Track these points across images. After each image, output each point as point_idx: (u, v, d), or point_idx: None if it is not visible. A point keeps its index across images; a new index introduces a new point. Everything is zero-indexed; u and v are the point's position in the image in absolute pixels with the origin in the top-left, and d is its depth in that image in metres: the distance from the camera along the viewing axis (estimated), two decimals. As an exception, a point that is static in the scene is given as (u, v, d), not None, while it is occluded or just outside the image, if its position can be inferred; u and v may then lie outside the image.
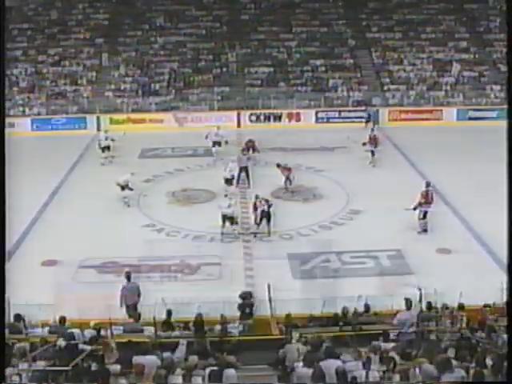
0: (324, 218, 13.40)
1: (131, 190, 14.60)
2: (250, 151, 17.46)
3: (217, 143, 18.49)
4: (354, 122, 23.00)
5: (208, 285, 10.40)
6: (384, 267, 11.07)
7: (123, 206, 14.31)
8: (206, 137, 18.43)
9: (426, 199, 12.09)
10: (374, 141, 18.04)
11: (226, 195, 13.30)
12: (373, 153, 17.91)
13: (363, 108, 23.38)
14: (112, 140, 18.39)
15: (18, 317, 7.98)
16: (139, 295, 9.52)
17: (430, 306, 8.63)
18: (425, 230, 11.96)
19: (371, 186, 15.47)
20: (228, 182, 14.84)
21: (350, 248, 11.73)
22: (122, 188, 14.43)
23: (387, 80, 25.54)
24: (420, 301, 8.58)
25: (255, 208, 12.52)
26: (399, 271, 10.83)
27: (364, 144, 18.01)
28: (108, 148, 18.28)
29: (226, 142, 18.61)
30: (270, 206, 12.21)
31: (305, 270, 10.91)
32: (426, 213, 12.02)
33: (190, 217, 13.70)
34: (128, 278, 9.86)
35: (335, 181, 16.24)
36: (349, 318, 8.51)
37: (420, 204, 12.17)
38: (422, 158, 17.88)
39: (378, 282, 10.04)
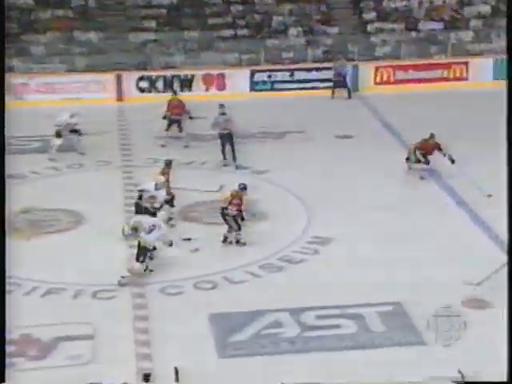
0: (270, 253, 13.49)
1: None
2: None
3: (74, 131, 18.66)
4: (316, 88, 23.24)
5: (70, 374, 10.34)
6: (374, 334, 10.90)
7: None
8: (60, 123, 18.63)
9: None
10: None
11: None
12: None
13: (331, 64, 23.45)
14: None
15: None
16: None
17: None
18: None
19: (347, 195, 15.77)
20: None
21: (316, 302, 11.69)
22: None
23: (372, 15, 25.52)
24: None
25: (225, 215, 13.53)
26: (401, 340, 10.71)
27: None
28: None
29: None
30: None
31: (238, 343, 10.87)
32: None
33: (40, 257, 13.71)
34: None
35: (287, 189, 16.24)
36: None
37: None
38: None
39: (366, 360, 10.16)
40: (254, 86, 23.35)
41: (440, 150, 15.67)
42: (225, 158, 17.32)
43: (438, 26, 25.05)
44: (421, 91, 22.49)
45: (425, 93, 22.30)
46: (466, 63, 23.60)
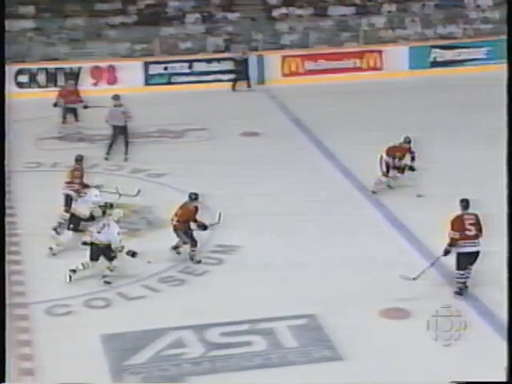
0: (170, 264, 13.37)
1: None
2: None
3: None
4: (218, 81, 23.48)
5: None
6: (287, 350, 10.80)
7: None
8: None
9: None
10: None
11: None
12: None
13: (232, 54, 23.57)
14: None
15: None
16: None
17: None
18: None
19: (254, 200, 15.65)
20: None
21: (222, 317, 11.58)
22: None
23: (277, -1, 26.04)
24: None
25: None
26: (315, 356, 10.58)
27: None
28: None
29: None
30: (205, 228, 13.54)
31: (136, 366, 10.62)
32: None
33: None
34: None
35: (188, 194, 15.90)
36: None
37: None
38: (350, 147, 17.90)
39: (279, 379, 10.14)
40: (148, 79, 23.20)
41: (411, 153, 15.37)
42: (108, 153, 17.28)
43: (349, 11, 25.24)
44: (333, 82, 22.63)
45: (337, 84, 22.47)
46: (380, 52, 23.80)
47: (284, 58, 23.64)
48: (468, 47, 23.67)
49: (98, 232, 13.03)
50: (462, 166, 16.06)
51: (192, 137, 19.27)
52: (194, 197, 13.63)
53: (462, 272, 10.81)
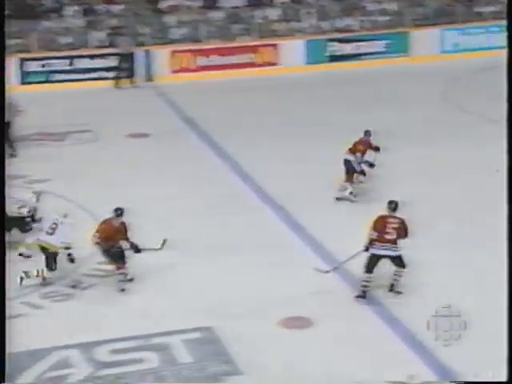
0: (53, 278, 13.08)
1: None
2: None
3: None
4: (101, 78, 23.49)
5: None
6: (182, 366, 10.76)
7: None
8: None
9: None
10: None
11: None
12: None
13: (117, 50, 23.68)
14: None
15: None
16: None
17: None
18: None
19: (146, 206, 15.56)
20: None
21: (111, 334, 11.42)
22: None
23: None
24: None
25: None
26: (212, 371, 10.60)
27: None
28: None
29: None
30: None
31: None
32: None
33: None
34: None
35: (72, 201, 15.96)
36: None
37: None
38: (246, 147, 18.08)
39: None
40: (24, 77, 23.08)
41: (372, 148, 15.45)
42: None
43: (241, 2, 25.52)
44: (226, 79, 22.92)
45: (231, 80, 22.72)
46: (275, 45, 24.16)
47: (173, 53, 23.79)
48: (366, 40, 24.10)
49: (49, 233, 12.86)
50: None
51: (75, 139, 19.13)
52: (119, 212, 13.22)
53: (368, 275, 10.99)
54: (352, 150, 14.87)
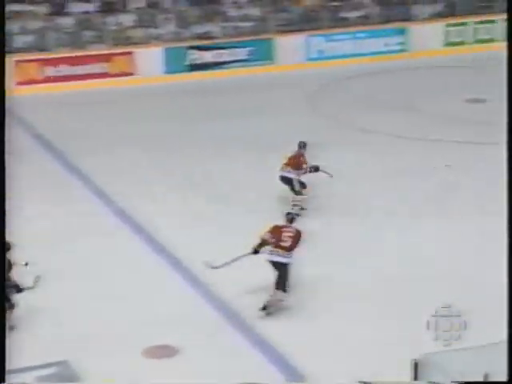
0: None
1: None
2: None
3: None
4: None
5: None
6: None
7: None
8: None
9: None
10: None
11: None
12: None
13: None
14: None
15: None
16: None
17: None
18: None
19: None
20: None
21: None
22: None
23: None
24: None
25: None
26: None
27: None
28: None
29: None
30: None
31: None
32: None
33: None
34: None
35: None
36: None
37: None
38: (102, 165, 17.95)
39: None
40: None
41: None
42: None
43: (92, 7, 25.42)
44: (78, 91, 22.80)
45: (83, 92, 22.53)
46: (131, 54, 24.11)
47: (17, 63, 23.13)
48: (228, 48, 24.13)
49: None
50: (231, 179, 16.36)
51: None
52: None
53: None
54: (291, 165, 14.95)
